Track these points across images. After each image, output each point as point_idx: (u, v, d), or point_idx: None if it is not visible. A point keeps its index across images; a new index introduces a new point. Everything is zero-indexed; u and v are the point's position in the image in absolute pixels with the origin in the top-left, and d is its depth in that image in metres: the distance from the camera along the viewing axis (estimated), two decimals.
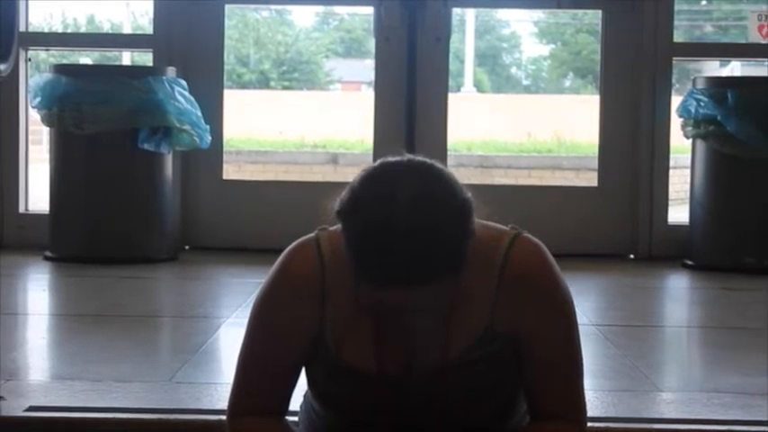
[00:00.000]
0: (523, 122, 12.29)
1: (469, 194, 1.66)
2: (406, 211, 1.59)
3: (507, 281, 1.74)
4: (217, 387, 2.65)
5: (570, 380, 1.79)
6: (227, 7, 5.17)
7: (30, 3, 5.21)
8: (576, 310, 1.82)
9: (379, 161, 1.68)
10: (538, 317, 1.75)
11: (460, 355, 1.74)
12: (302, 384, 1.92)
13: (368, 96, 5.38)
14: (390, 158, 1.68)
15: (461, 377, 1.74)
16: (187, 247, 5.04)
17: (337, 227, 1.71)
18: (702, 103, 4.71)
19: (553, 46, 15.79)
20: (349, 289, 1.70)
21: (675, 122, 4.95)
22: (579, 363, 1.80)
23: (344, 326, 1.76)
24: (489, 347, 1.75)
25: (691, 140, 4.88)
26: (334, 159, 10.12)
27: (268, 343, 1.79)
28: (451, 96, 5.12)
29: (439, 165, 1.68)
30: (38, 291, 4.21)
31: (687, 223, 4.91)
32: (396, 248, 1.58)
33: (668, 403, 2.62)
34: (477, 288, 1.73)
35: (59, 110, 4.59)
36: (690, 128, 4.79)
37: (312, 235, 1.79)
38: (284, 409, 1.84)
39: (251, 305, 1.83)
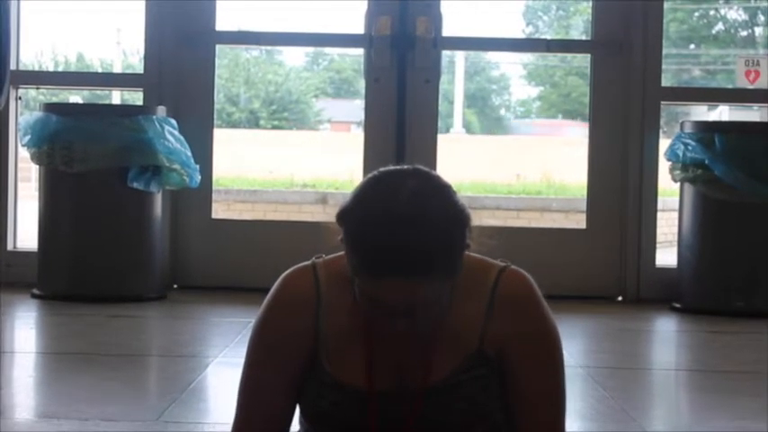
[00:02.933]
0: (512, 164, 12.34)
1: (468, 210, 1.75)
2: (407, 202, 1.68)
3: (497, 304, 1.81)
4: (205, 427, 2.66)
5: (555, 404, 1.83)
6: (218, 47, 5.20)
7: (20, 40, 5.23)
8: (564, 351, 1.86)
9: (378, 169, 1.77)
10: (527, 341, 1.81)
11: (449, 377, 1.80)
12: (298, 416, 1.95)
13: (357, 136, 5.41)
14: (391, 166, 1.77)
15: (449, 398, 1.79)
16: (176, 286, 5.03)
17: (332, 255, 1.81)
18: (690, 147, 4.73)
19: (542, 88, 15.90)
20: (344, 310, 1.79)
21: (663, 165, 4.98)
22: (564, 394, 1.84)
23: (338, 345, 1.82)
24: (477, 371, 1.80)
25: (679, 184, 4.90)
26: (323, 199, 10.14)
27: (267, 362, 1.85)
28: (441, 137, 5.14)
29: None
30: (25, 329, 4.20)
31: (675, 266, 4.92)
32: (396, 236, 1.66)
33: None
34: (468, 310, 1.80)
35: (49, 148, 4.59)
36: (678, 171, 4.81)
37: (308, 262, 1.87)
38: None
39: (245, 338, 1.88)
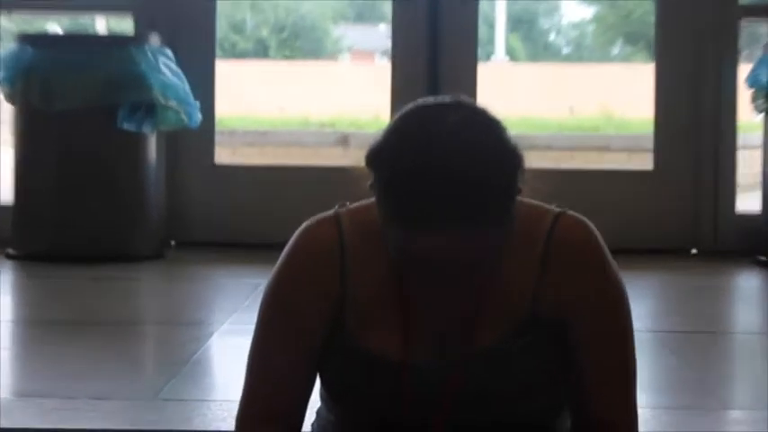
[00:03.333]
0: (565, 96, 12.29)
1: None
2: (449, 140, 1.64)
3: (552, 261, 1.79)
4: (210, 405, 2.66)
5: (624, 382, 1.82)
6: None
7: None
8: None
9: (414, 102, 1.73)
10: (588, 298, 1.79)
11: (495, 344, 1.78)
12: (314, 402, 1.94)
13: (383, 68, 5.38)
14: (430, 98, 1.73)
15: (495, 370, 1.78)
16: (174, 243, 5.05)
17: (358, 204, 1.78)
18: None
19: (598, 8, 15.78)
20: (373, 268, 1.77)
21: (744, 95, 4.94)
22: (634, 364, 1.82)
23: (368, 309, 1.80)
24: (529, 338, 1.79)
25: (762, 115, 4.86)
26: (343, 140, 10.14)
27: (283, 331, 1.84)
28: (481, 66, 5.11)
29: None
30: None
31: (759, 212, 4.90)
32: (436, 182, 1.63)
33: (738, 423, 2.62)
34: (518, 269, 1.78)
35: (25, 85, 4.61)
36: (761, 101, 4.78)
37: (330, 212, 1.85)
38: (299, 422, 1.87)
39: (256, 302, 1.86)
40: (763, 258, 4.75)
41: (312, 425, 1.99)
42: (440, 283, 1.70)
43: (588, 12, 16.10)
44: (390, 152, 1.68)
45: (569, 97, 12.38)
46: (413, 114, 1.71)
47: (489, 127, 1.70)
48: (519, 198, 1.76)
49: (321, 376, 1.89)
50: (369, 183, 1.72)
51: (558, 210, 1.82)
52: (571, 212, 1.83)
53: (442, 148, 1.64)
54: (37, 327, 3.61)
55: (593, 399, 1.80)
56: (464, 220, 1.64)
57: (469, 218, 1.64)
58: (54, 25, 8.33)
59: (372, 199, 1.75)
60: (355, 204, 1.83)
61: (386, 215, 1.69)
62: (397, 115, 1.72)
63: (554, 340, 1.81)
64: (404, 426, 1.83)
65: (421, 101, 1.73)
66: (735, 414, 2.66)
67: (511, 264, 1.77)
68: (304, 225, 1.86)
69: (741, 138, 5.15)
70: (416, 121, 1.70)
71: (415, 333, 1.80)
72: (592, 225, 1.82)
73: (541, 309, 1.79)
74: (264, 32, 15.23)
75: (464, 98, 1.74)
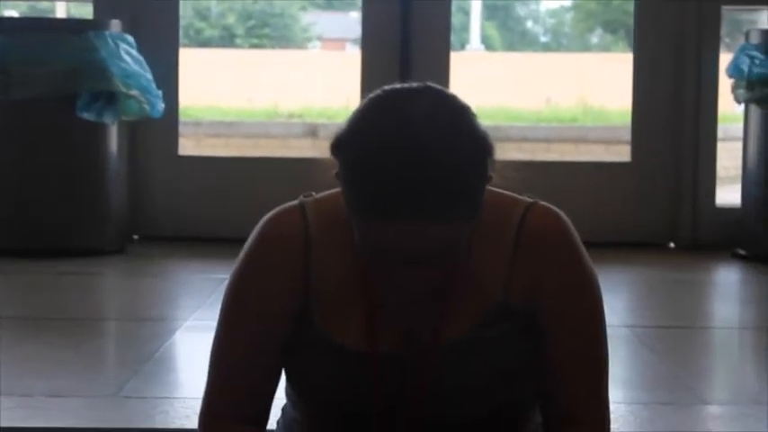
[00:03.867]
0: (542, 86, 12.31)
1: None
2: (417, 127, 1.65)
3: (523, 250, 1.80)
4: (173, 402, 2.66)
5: (595, 372, 1.83)
6: None
7: None
8: (605, 307, 1.86)
9: (381, 88, 1.74)
10: (558, 284, 1.81)
11: (466, 334, 1.79)
12: (279, 399, 1.95)
13: (353, 56, 5.39)
14: (396, 84, 1.74)
15: (465, 360, 1.79)
16: (136, 237, 5.04)
17: (324, 193, 1.79)
18: (757, 61, 4.72)
19: None
20: (339, 258, 1.78)
21: (725, 84, 4.96)
22: (605, 353, 1.85)
23: (334, 299, 1.82)
24: (500, 327, 1.80)
25: (743, 105, 4.88)
26: (312, 131, 10.12)
27: (246, 323, 1.84)
28: (454, 56, 5.12)
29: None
30: None
31: (739, 205, 4.92)
32: (403, 170, 1.63)
33: (716, 418, 2.64)
34: (489, 259, 1.79)
35: None
36: (742, 90, 4.80)
37: (295, 201, 1.86)
38: (264, 419, 1.88)
39: (220, 297, 1.86)
40: (742, 252, 4.78)
41: (277, 422, 2.00)
42: (407, 274, 1.71)
43: None
44: (355, 138, 1.69)
45: (546, 87, 12.40)
46: (378, 100, 1.72)
47: (459, 112, 1.70)
48: (490, 188, 1.78)
49: (287, 371, 1.90)
50: (334, 171, 1.74)
51: (529, 200, 1.84)
52: (543, 203, 1.85)
53: (409, 133, 1.64)
54: None
55: (562, 391, 1.82)
56: (433, 208, 1.64)
57: (439, 206, 1.65)
58: (11, 11, 8.30)
59: (338, 189, 1.76)
60: (321, 194, 1.84)
61: (351, 205, 1.70)
62: (365, 101, 1.73)
63: (526, 332, 1.82)
64: (371, 421, 1.85)
65: (387, 87, 1.74)
66: (712, 409, 2.69)
67: (481, 254, 1.79)
68: (268, 215, 1.88)
69: (721, 129, 5.17)
70: (382, 106, 1.71)
71: (381, 323, 1.81)
72: (563, 215, 1.84)
73: (513, 298, 1.80)
74: (231, 19, 15.19)
75: (432, 84, 1.74)
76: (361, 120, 1.70)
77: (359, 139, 1.68)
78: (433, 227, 1.66)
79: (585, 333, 1.83)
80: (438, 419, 1.83)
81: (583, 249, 1.83)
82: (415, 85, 1.74)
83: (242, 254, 1.86)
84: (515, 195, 1.85)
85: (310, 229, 1.83)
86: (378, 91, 1.74)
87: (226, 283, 1.90)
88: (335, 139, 1.72)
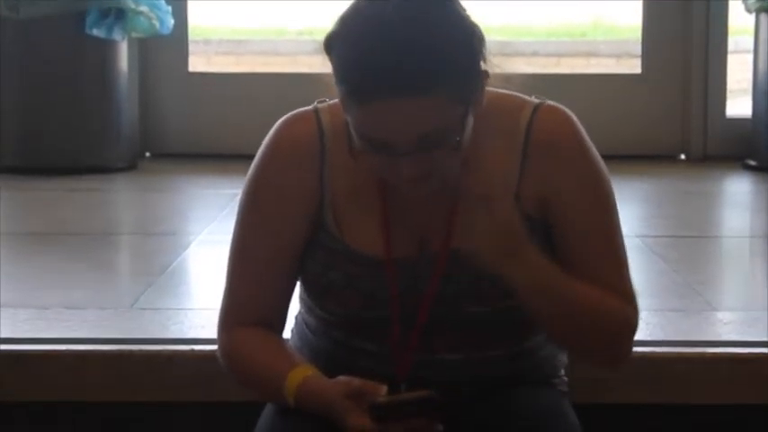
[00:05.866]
0: (552, 3, 12.19)
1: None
2: (397, 7, 1.68)
3: (533, 147, 1.82)
4: (187, 313, 2.68)
5: (614, 265, 1.84)
6: None
7: None
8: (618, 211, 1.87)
9: None
10: (571, 188, 1.83)
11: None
12: (293, 309, 1.96)
13: None
14: None
15: (477, 265, 1.78)
16: (148, 154, 5.04)
17: (337, 100, 1.79)
18: None
19: None
20: (351, 164, 1.79)
21: None
22: (623, 248, 1.85)
23: (348, 205, 1.85)
24: None
25: (754, 15, 4.85)
26: (322, 48, 10.05)
27: (264, 226, 1.87)
28: None
29: None
30: None
31: (749, 116, 4.90)
32: (384, 47, 1.66)
33: (725, 324, 2.65)
34: (499, 162, 1.81)
35: None
36: (753, 0, 4.76)
37: (309, 107, 1.89)
38: (282, 324, 1.91)
39: (232, 212, 1.88)
40: (752, 163, 4.77)
41: (291, 330, 2.02)
42: (404, 166, 1.71)
43: None
44: (341, 29, 1.72)
45: (557, 4, 12.28)
46: None
47: (452, 3, 1.73)
48: (497, 90, 1.78)
49: (302, 276, 1.92)
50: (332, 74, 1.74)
51: (537, 101, 1.86)
52: (550, 102, 1.86)
53: (387, 16, 1.67)
54: (9, 238, 3.61)
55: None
56: (410, 80, 1.66)
57: (416, 78, 1.66)
58: None
59: None
60: (335, 100, 1.83)
61: (342, 95, 1.72)
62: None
63: (542, 236, 1.83)
64: (383, 326, 1.86)
65: None
66: (722, 315, 2.69)
67: (492, 156, 1.80)
68: (283, 118, 1.89)
69: (732, 42, 5.13)
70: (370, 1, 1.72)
71: (396, 228, 1.82)
72: (570, 113, 1.86)
73: (525, 203, 1.81)
74: None
75: None
76: (344, 15, 1.74)
77: (344, 30, 1.72)
78: (414, 102, 1.66)
79: (599, 224, 1.84)
80: (448, 323, 1.84)
81: (591, 146, 1.86)
82: None
83: (257, 157, 1.89)
84: (523, 97, 1.86)
85: (325, 132, 1.85)
86: None
87: (238, 199, 1.90)
88: (326, 38, 1.75)
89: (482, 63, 1.74)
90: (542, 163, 1.82)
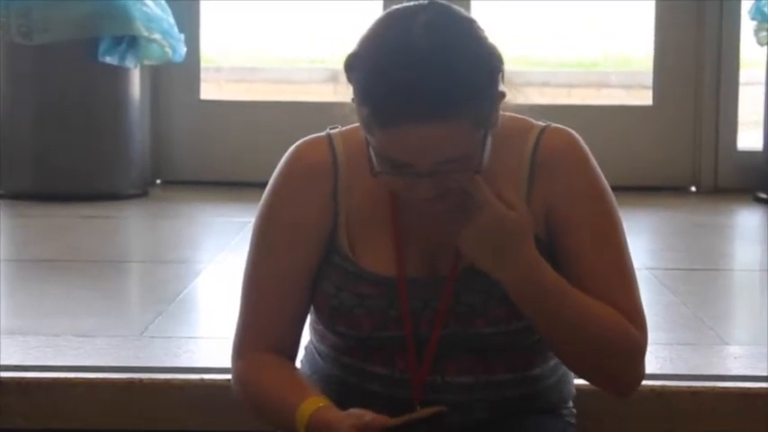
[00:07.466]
0: (564, 33, 12.21)
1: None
2: (420, 34, 1.69)
3: (538, 171, 1.85)
4: (198, 342, 2.69)
5: (622, 283, 1.84)
6: None
7: None
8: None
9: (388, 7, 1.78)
10: (575, 204, 1.85)
11: None
12: (304, 337, 1.97)
13: (375, 3, 5.35)
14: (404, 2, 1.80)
15: (485, 284, 1.82)
16: (159, 181, 5.05)
17: (350, 126, 1.84)
18: None
19: None
20: (366, 186, 1.83)
21: (747, 27, 4.93)
22: (630, 266, 1.85)
23: (361, 227, 1.87)
24: None
25: (765, 48, 4.85)
26: (334, 77, 10.07)
27: (278, 250, 1.88)
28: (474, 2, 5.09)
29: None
30: None
31: (761, 149, 4.91)
32: (408, 72, 1.68)
33: (736, 358, 2.64)
34: (506, 178, 1.83)
35: (3, 16, 4.58)
36: (765, 33, 4.77)
37: (322, 133, 1.91)
38: (295, 351, 1.92)
39: (243, 240, 1.89)
40: (763, 196, 4.76)
41: (301, 361, 2.02)
42: (422, 187, 1.72)
43: None
44: (363, 52, 1.73)
45: (568, 34, 12.31)
46: (384, 17, 1.76)
47: (461, 21, 1.75)
48: (507, 113, 1.81)
49: (314, 299, 1.92)
50: (351, 98, 1.76)
51: (543, 124, 1.89)
52: (555, 125, 1.89)
53: (409, 39, 1.69)
54: (20, 265, 3.62)
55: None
56: (433, 105, 1.67)
57: (438, 103, 1.68)
58: None
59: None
60: (347, 127, 1.88)
61: (363, 121, 1.74)
62: (372, 21, 1.78)
63: (548, 256, 1.84)
64: (393, 349, 1.86)
65: (394, 6, 1.78)
66: (732, 349, 2.69)
67: (497, 178, 1.81)
68: (296, 145, 1.91)
69: (744, 75, 5.14)
70: (387, 21, 1.75)
71: (407, 249, 1.85)
72: (575, 135, 1.89)
73: (534, 226, 1.82)
74: None
75: (438, 0, 1.78)
76: (367, 36, 1.75)
77: (366, 52, 1.73)
78: (438, 128, 1.68)
79: (603, 240, 1.85)
80: (459, 343, 1.85)
81: (594, 164, 1.88)
82: (420, 1, 1.78)
83: (270, 183, 1.91)
84: (530, 121, 1.89)
85: (338, 156, 1.87)
86: (384, 11, 1.79)
87: (250, 227, 1.92)
88: (347, 60, 1.76)
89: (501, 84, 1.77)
90: (546, 180, 1.85)
